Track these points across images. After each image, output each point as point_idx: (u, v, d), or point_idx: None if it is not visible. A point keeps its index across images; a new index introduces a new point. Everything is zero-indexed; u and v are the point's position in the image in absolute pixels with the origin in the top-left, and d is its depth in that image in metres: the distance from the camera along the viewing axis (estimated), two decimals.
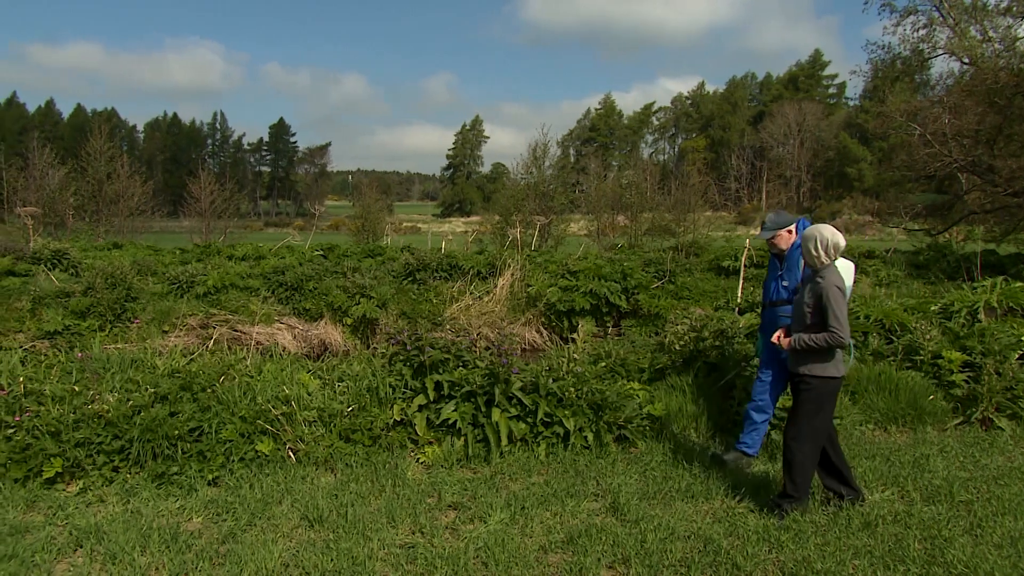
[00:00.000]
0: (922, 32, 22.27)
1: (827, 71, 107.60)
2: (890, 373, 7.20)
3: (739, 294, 9.48)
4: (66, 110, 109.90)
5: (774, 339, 4.92)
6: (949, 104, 21.74)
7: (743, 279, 11.02)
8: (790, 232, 5.47)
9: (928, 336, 7.61)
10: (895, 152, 28.60)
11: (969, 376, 7.18)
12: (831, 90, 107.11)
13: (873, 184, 74.60)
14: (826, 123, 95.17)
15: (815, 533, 4.43)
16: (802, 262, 5.40)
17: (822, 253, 4.61)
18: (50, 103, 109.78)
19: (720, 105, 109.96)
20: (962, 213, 23.38)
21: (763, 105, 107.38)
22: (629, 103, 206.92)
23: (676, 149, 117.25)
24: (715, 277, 14.96)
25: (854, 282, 5.69)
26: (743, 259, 12.87)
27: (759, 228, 5.78)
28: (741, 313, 8.67)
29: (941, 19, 21.90)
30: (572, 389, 6.07)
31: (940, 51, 22.34)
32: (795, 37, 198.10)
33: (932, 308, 9.00)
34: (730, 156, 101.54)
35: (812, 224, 5.00)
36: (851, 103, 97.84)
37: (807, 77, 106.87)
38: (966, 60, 21.56)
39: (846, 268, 5.63)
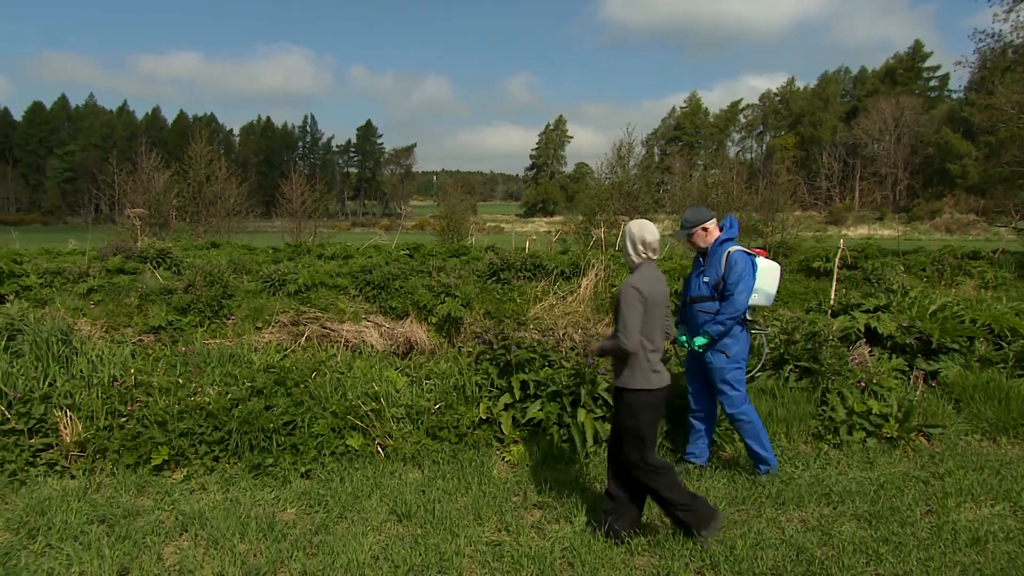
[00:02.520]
0: None
1: (928, 63, 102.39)
2: (1000, 381, 6.78)
3: (832, 296, 9.12)
4: (170, 116, 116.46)
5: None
6: None
7: (836, 280, 10.59)
8: (705, 230, 5.43)
9: None
10: (1004, 147, 27.03)
11: None
12: (932, 83, 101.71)
13: (978, 181, 70.64)
14: (926, 118, 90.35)
15: (917, 547, 4.22)
16: (724, 259, 5.27)
17: (630, 250, 4.31)
18: (156, 110, 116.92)
19: (811, 101, 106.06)
20: None
21: (857, 100, 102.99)
22: (713, 102, 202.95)
23: (764, 147, 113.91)
24: (805, 278, 14.41)
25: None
26: (836, 260, 12.39)
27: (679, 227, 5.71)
28: (834, 316, 8.34)
29: None
30: None
31: None
32: (888, 29, 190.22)
33: None
34: (821, 154, 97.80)
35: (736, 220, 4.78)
36: (954, 96, 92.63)
37: (906, 70, 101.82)
38: None
39: (771, 269, 5.41)
